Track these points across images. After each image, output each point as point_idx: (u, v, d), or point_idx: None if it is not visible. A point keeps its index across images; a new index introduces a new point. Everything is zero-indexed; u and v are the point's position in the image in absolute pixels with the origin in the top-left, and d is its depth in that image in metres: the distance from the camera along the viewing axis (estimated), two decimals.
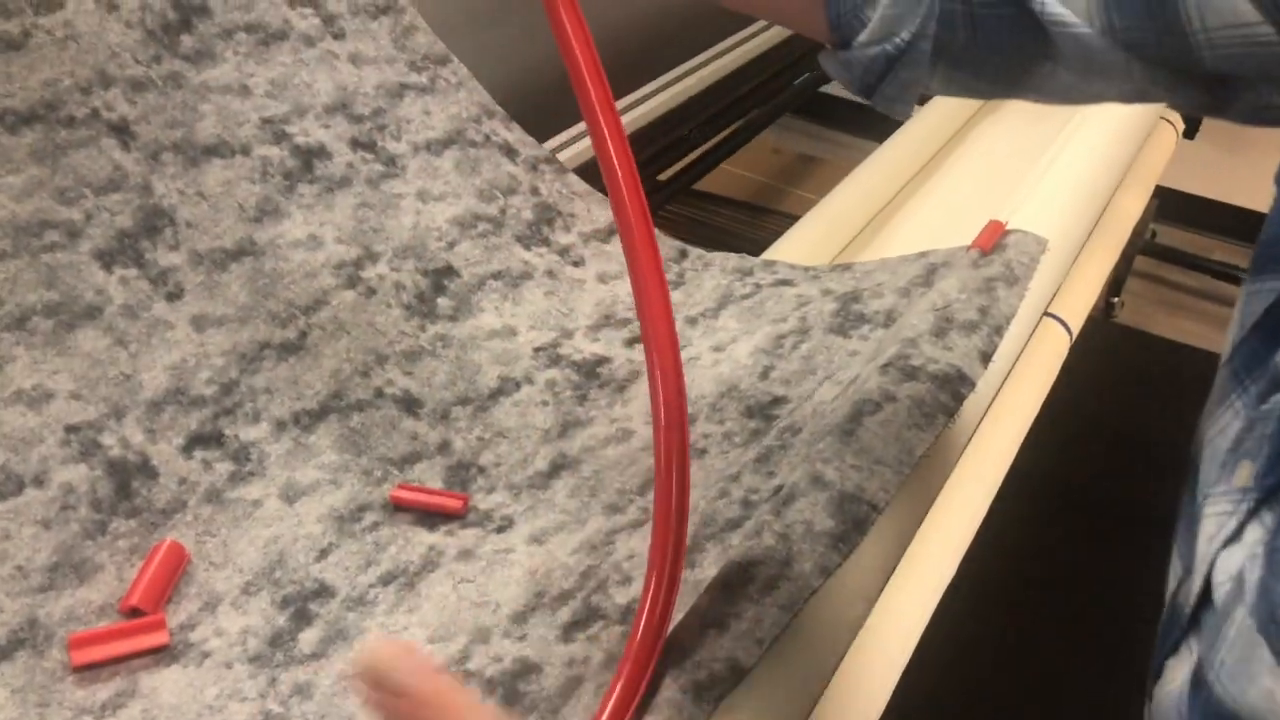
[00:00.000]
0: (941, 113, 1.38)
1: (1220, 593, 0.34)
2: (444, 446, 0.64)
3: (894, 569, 0.59)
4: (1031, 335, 0.96)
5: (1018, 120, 1.37)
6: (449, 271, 0.74)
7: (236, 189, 0.70)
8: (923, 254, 0.75)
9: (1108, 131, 0.96)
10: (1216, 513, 0.36)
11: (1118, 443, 1.55)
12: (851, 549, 0.50)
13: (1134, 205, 1.33)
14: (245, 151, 0.72)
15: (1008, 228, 0.74)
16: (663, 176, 1.26)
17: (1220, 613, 0.34)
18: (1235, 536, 0.34)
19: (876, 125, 1.35)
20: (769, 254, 1.02)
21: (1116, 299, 1.77)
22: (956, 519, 0.80)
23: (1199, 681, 0.33)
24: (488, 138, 0.83)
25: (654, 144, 1.12)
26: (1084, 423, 1.55)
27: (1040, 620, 1.28)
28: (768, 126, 1.61)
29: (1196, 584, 0.36)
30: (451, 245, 0.76)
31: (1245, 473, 0.35)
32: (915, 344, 0.61)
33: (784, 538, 0.50)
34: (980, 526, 0.80)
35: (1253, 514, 0.34)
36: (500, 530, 0.59)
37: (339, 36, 0.81)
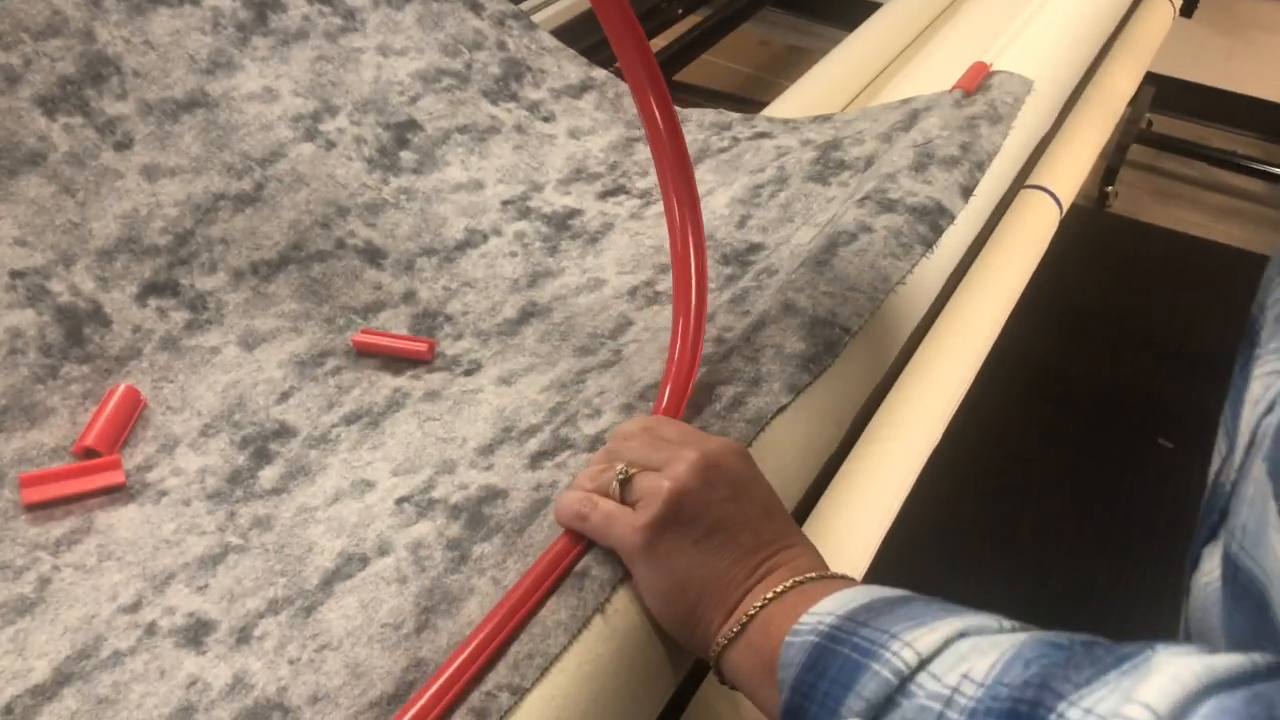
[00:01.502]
0: None
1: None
2: (409, 296, 0.62)
3: (867, 398, 0.57)
4: (1017, 194, 0.93)
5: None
6: (412, 125, 0.71)
7: (186, 39, 0.67)
8: (905, 100, 0.72)
9: None
10: (1264, 373, 0.32)
11: (1112, 330, 1.54)
12: (823, 369, 0.49)
13: (1127, 82, 1.29)
14: (194, 1, 0.68)
15: (992, 69, 0.71)
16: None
17: (1242, 473, 0.31)
18: None
19: (864, 16, 1.31)
20: (769, 110, 0.99)
21: (1111, 188, 1.74)
22: (943, 380, 0.78)
23: (1226, 558, 0.30)
24: None
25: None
26: (1078, 310, 1.53)
27: (1024, 500, 1.28)
28: (747, 19, 1.56)
29: (1238, 459, 0.32)
30: (414, 100, 0.73)
31: None
32: (894, 178, 0.59)
33: (752, 360, 0.49)
34: (969, 403, 0.79)
35: None
36: (468, 373, 0.58)
37: None
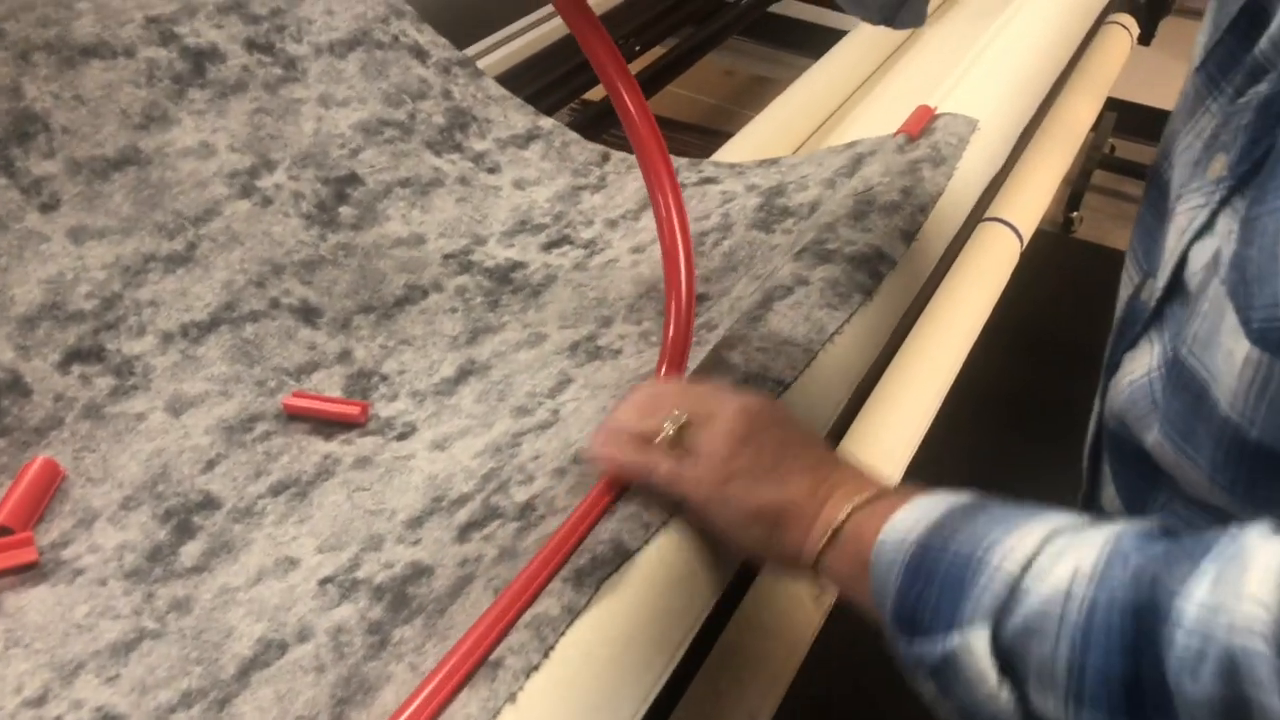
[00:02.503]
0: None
1: (1194, 281, 0.36)
2: (344, 355, 0.61)
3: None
4: (975, 228, 0.93)
5: (965, 23, 1.33)
6: (352, 179, 0.70)
7: (119, 93, 0.65)
8: (851, 144, 0.72)
9: (1045, 21, 0.92)
10: (1189, 208, 0.37)
11: (1079, 358, 1.54)
12: None
13: (1086, 112, 1.29)
14: (129, 53, 0.67)
15: (937, 112, 0.71)
16: (595, 96, 1.22)
17: (1194, 295, 0.36)
18: (1207, 226, 0.36)
19: (830, 44, 1.31)
20: (721, 152, 0.98)
21: (1075, 214, 1.75)
22: (904, 418, 0.77)
23: (1173, 360, 0.36)
24: (396, 39, 0.79)
25: (578, 56, 1.07)
26: (1045, 338, 1.53)
27: None
28: (713, 48, 1.56)
29: (1162, 280, 0.38)
30: (355, 152, 0.72)
31: (1219, 165, 0.36)
32: (833, 228, 0.58)
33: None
34: (934, 434, 0.78)
35: (1224, 203, 0.35)
36: (401, 437, 0.56)
37: None
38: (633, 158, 0.79)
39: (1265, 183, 0.32)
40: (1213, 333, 0.34)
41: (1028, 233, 1.05)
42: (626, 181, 0.76)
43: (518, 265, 0.69)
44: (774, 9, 1.82)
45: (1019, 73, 0.84)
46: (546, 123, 0.80)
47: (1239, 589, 0.27)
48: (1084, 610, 0.30)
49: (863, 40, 1.30)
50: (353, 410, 0.57)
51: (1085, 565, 0.31)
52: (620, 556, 0.40)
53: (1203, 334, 0.34)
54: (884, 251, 0.57)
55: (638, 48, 1.18)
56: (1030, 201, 1.08)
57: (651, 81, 1.33)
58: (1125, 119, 1.79)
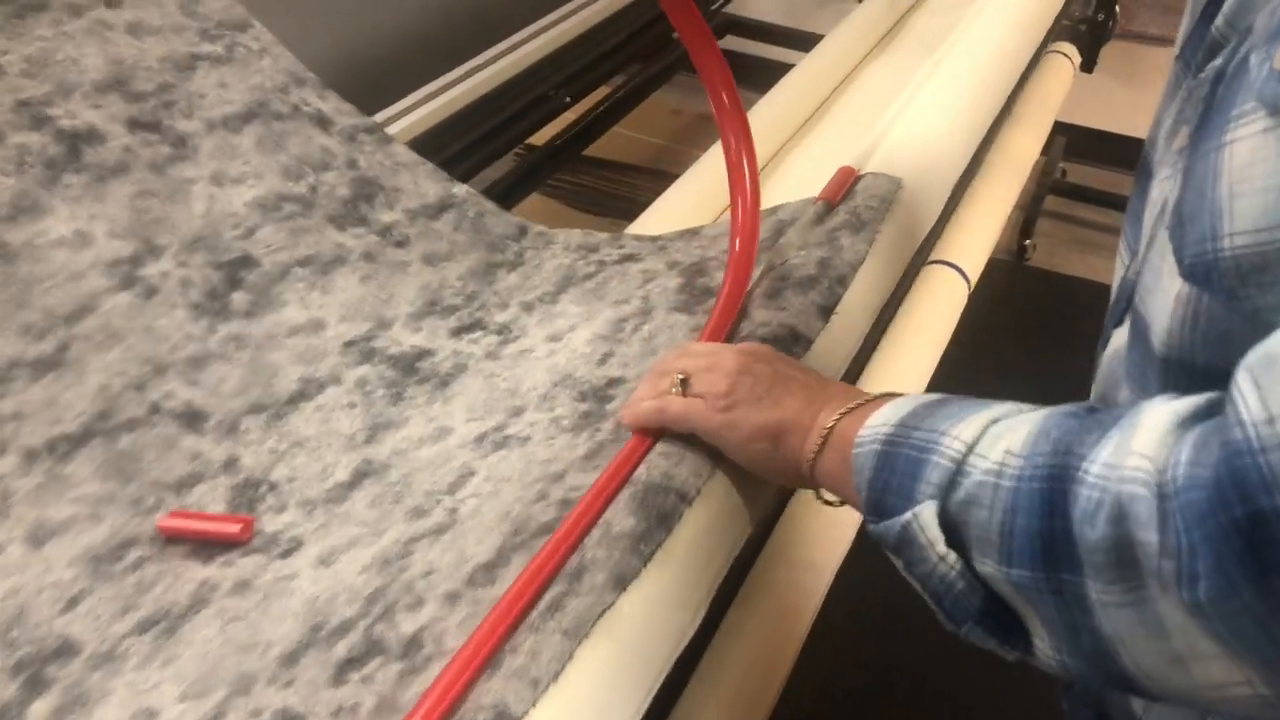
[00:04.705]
0: (830, 58, 1.31)
1: None
2: (230, 464, 0.57)
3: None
4: (914, 279, 0.90)
5: (904, 63, 1.31)
6: (246, 262, 0.66)
7: None
8: (772, 210, 0.69)
9: (976, 63, 0.89)
10: (1160, 179, 0.41)
11: (1036, 385, 1.52)
12: (655, 548, 0.44)
13: (1031, 143, 1.27)
14: None
15: (860, 173, 0.68)
16: (537, 140, 1.18)
17: (1148, 251, 0.39)
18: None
19: (778, 78, 1.28)
20: (647, 215, 0.95)
21: (1029, 241, 1.73)
22: None
23: (1133, 312, 0.39)
24: (297, 108, 0.75)
25: (515, 102, 1.04)
26: (1001, 367, 1.51)
27: None
28: (658, 88, 1.53)
29: (1140, 252, 0.41)
30: (250, 232, 0.67)
31: (1182, 136, 0.39)
32: (745, 311, 0.55)
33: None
34: None
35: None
36: (286, 555, 0.52)
37: (113, 4, 0.72)
38: (552, 231, 0.76)
39: (1199, 134, 0.36)
40: (1156, 278, 0.37)
41: (974, 273, 1.02)
42: (544, 258, 0.73)
43: (424, 353, 0.65)
44: (721, 44, 1.80)
45: (951, 122, 0.81)
46: (460, 190, 0.76)
47: (1130, 447, 0.31)
48: (1012, 480, 0.34)
49: (808, 76, 1.27)
50: (233, 529, 0.52)
51: (1016, 444, 0.35)
52: None
53: (1149, 282, 0.37)
54: (799, 331, 0.54)
55: (569, 99, 1.15)
56: (975, 241, 1.06)
57: (598, 122, 1.30)
58: (1076, 143, 1.78)
